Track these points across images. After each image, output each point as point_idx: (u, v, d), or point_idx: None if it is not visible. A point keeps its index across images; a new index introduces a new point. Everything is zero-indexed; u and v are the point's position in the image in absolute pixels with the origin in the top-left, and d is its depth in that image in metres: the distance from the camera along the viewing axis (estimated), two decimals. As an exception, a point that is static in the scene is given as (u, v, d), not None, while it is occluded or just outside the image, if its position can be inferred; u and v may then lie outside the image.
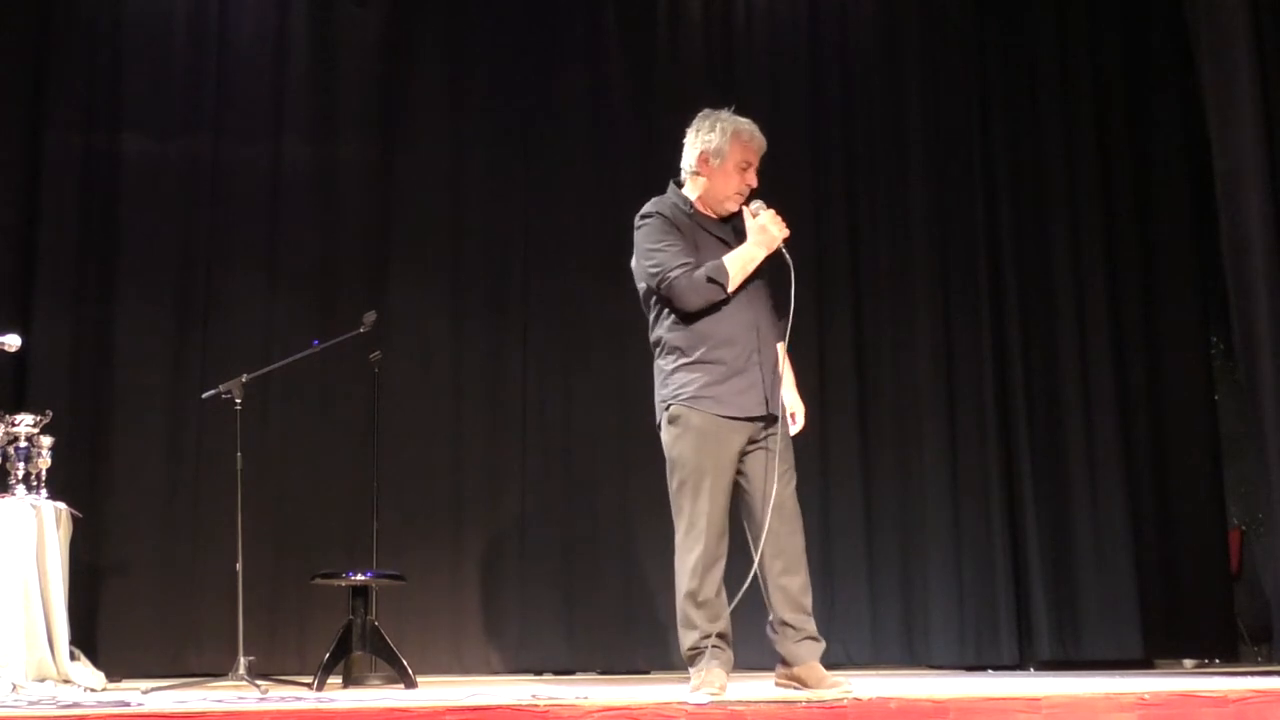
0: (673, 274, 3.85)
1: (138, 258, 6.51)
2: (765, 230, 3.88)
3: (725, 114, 4.03)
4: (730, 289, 3.86)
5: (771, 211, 3.92)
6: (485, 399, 6.76)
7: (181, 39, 6.73)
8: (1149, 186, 7.40)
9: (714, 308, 3.86)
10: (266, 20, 6.82)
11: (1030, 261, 7.25)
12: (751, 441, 3.86)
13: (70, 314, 6.40)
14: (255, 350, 6.16)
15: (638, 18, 7.19)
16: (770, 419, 3.87)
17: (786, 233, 3.90)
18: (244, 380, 5.17)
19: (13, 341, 5.11)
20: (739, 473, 3.87)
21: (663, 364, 3.94)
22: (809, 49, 7.34)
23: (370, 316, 5.46)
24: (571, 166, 7.01)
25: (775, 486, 3.80)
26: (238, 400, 5.14)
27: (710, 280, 3.84)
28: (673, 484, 3.86)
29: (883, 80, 7.39)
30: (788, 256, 3.90)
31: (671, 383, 3.89)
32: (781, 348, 4.04)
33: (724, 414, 3.82)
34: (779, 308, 4.03)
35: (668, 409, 3.89)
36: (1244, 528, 7.74)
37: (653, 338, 4.00)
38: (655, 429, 3.98)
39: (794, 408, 3.99)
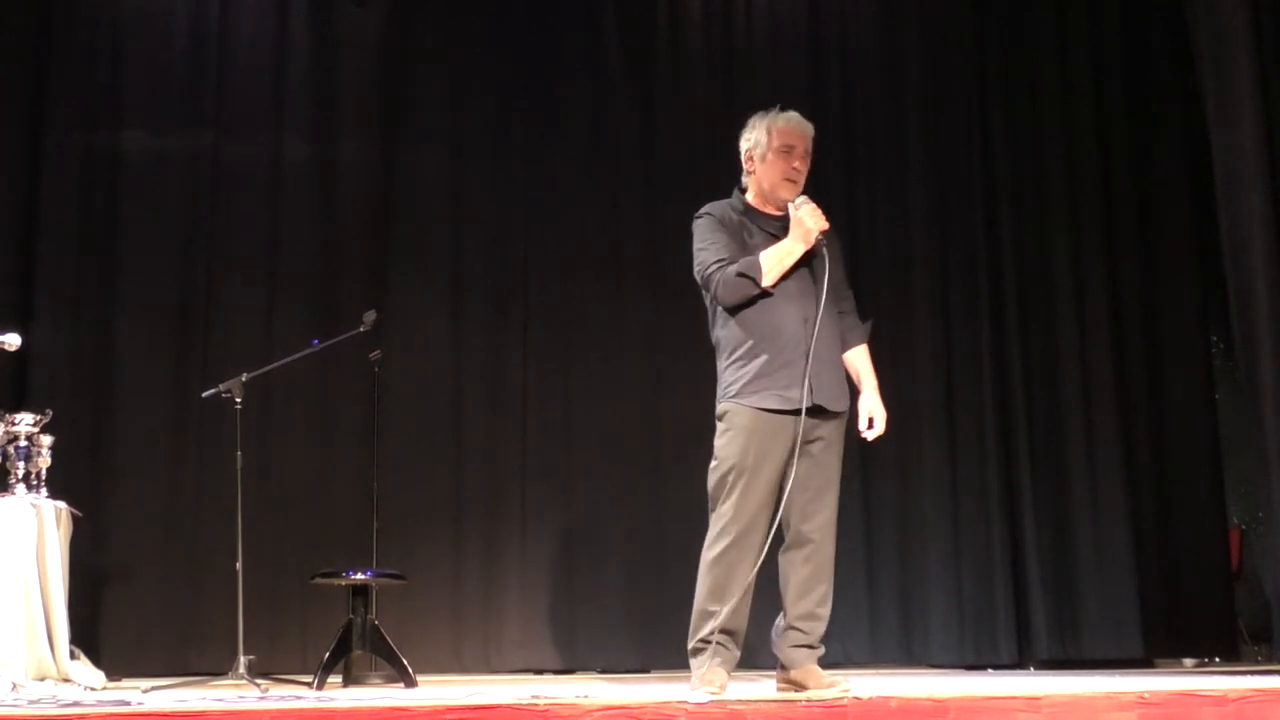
0: (709, 270, 3.89)
1: (138, 258, 6.51)
2: (801, 223, 3.84)
3: (771, 112, 4.03)
4: (766, 283, 3.82)
5: (811, 205, 3.87)
6: (485, 399, 6.75)
7: (181, 39, 6.73)
8: (1149, 186, 7.39)
9: (759, 302, 3.84)
10: (266, 20, 6.83)
11: (1030, 261, 7.23)
12: (805, 440, 3.78)
13: (70, 314, 6.41)
14: (255, 350, 6.15)
15: (638, 18, 7.18)
16: (821, 414, 3.83)
17: (825, 225, 3.86)
18: (244, 380, 5.18)
19: (13, 341, 5.12)
20: (783, 474, 3.80)
21: (719, 364, 3.96)
22: (809, 49, 7.32)
23: (370, 316, 5.46)
24: (571, 166, 7.00)
25: (804, 496, 3.81)
26: (238, 400, 5.14)
27: (741, 275, 3.83)
28: (712, 479, 3.85)
29: (883, 80, 7.38)
30: (825, 251, 3.86)
31: (724, 380, 3.91)
32: (864, 350, 4.04)
33: (768, 408, 3.79)
34: (846, 307, 4.03)
35: (719, 405, 3.90)
36: (1244, 527, 7.74)
37: (712, 339, 4.01)
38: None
39: (871, 411, 3.95)
